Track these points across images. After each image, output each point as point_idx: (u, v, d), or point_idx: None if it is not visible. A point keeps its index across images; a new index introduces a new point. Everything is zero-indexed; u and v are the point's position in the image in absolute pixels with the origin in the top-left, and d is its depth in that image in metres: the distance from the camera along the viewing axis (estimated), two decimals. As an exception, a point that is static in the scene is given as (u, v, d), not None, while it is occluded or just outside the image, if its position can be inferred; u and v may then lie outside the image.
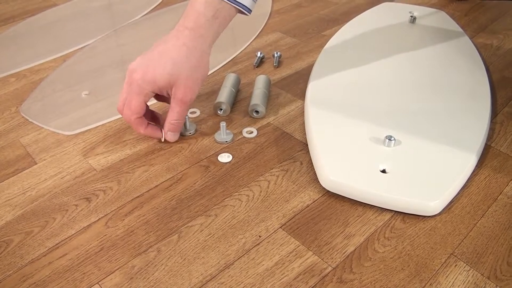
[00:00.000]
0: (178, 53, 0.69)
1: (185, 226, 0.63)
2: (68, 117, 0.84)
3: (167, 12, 1.27)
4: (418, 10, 1.16)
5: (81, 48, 1.09)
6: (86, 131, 0.81)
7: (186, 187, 0.69)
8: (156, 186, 0.69)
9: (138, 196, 0.67)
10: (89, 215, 0.65)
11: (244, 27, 1.17)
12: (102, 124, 0.82)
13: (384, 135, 0.72)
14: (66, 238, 0.61)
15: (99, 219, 0.64)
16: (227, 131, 0.79)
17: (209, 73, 0.97)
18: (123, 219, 0.64)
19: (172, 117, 0.73)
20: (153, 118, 0.79)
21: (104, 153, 0.76)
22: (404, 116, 0.78)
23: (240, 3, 0.71)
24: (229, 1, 0.70)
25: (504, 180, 0.70)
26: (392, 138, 0.70)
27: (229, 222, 0.63)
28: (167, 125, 0.74)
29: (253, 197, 0.67)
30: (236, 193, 0.67)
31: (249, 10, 0.72)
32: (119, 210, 0.65)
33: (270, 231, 0.62)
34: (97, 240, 0.61)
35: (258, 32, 1.15)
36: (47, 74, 0.98)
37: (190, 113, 0.84)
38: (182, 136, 0.79)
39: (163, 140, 0.77)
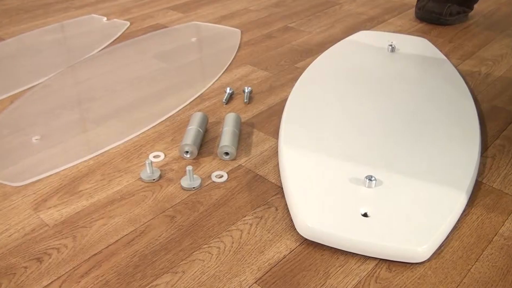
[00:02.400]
0: None
1: (150, 285, 0.62)
2: (17, 165, 0.84)
3: (128, 46, 1.28)
4: (397, 38, 1.20)
5: (32, 87, 1.09)
6: (37, 181, 0.80)
7: (150, 241, 0.68)
8: (117, 241, 0.68)
9: (96, 254, 0.67)
10: (40, 278, 0.64)
11: (212, 60, 1.19)
12: (56, 173, 0.82)
13: (364, 175, 0.74)
14: (14, 305, 0.60)
15: (52, 282, 0.63)
16: (195, 176, 0.79)
17: (174, 112, 0.98)
18: (79, 281, 0.63)
19: None
20: None
21: (58, 206, 0.75)
22: (385, 154, 0.80)
23: None
24: None
25: (499, 219, 0.71)
26: (373, 178, 0.72)
27: (198, 279, 0.63)
28: None
29: (224, 249, 0.67)
30: (206, 246, 0.67)
31: None
32: (74, 270, 0.64)
33: (244, 287, 0.62)
34: (50, 306, 0.60)
35: (227, 65, 1.17)
36: (-7, 118, 0.98)
37: (154, 157, 0.85)
38: (145, 183, 0.79)
39: None
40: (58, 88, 1.08)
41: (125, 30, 1.39)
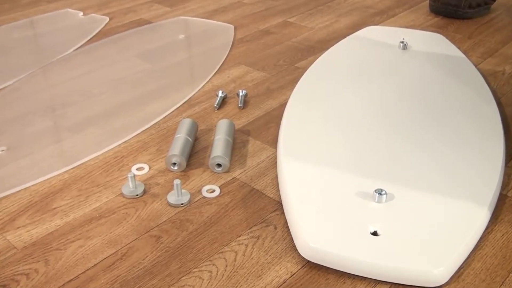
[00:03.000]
0: None
1: (132, 315, 0.62)
2: (-18, 180, 0.84)
3: (107, 44, 1.29)
4: (410, 34, 1.21)
5: (-1, 92, 1.10)
6: (4, 197, 0.80)
7: (133, 265, 0.68)
8: (95, 265, 0.69)
9: (71, 280, 0.67)
10: (9, 306, 0.64)
11: (202, 60, 1.20)
12: (25, 188, 0.82)
13: (373, 188, 0.74)
14: (-22, 339, 0.60)
15: (22, 311, 0.63)
16: (183, 190, 0.79)
17: (159, 118, 0.98)
18: (52, 310, 0.63)
19: None
20: None
21: (28, 226, 0.75)
22: (397, 164, 0.80)
23: None
24: None
25: (525, 237, 0.72)
26: (383, 192, 0.72)
27: (187, 307, 0.63)
28: None
29: (217, 274, 0.67)
30: (196, 269, 0.67)
31: None
32: (47, 298, 0.64)
33: (239, 316, 0.62)
34: None
35: (219, 66, 1.17)
36: (-45, 127, 0.98)
37: (137, 169, 0.85)
38: (127, 199, 0.79)
39: None
40: (28, 92, 1.08)
41: (104, 27, 1.40)
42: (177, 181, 0.77)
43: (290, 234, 0.72)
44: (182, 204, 0.78)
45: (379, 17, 1.41)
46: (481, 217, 0.71)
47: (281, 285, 0.65)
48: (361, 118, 0.91)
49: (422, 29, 1.31)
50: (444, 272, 0.64)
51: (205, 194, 0.80)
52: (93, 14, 1.48)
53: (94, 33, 1.35)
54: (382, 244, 0.66)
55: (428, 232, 0.68)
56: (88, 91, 1.08)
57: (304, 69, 1.12)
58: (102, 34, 1.35)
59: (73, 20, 1.44)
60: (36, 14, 1.50)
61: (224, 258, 0.69)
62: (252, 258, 0.69)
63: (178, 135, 0.88)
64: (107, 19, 1.44)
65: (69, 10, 1.52)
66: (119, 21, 1.43)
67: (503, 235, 0.72)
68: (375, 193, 0.73)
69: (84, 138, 0.93)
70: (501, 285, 0.65)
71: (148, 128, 0.96)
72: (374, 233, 0.68)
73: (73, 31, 1.37)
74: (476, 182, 0.76)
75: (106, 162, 0.88)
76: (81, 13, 1.48)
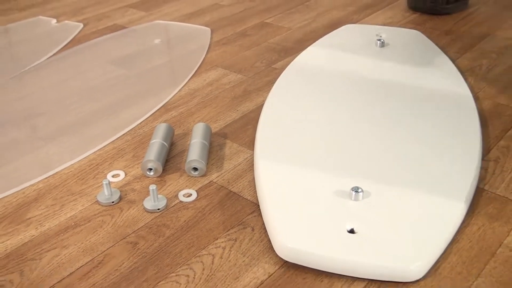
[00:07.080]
0: None
1: (109, 321, 0.63)
2: (-45, 193, 0.84)
3: (81, 51, 1.29)
4: (387, 32, 1.23)
5: (-29, 103, 1.10)
6: (-22, 209, 0.81)
7: (110, 272, 0.69)
8: (71, 273, 0.70)
9: (47, 289, 0.68)
10: (-16, 318, 0.64)
11: (178, 64, 1.21)
12: (-1, 199, 0.83)
13: (350, 186, 0.76)
14: None
15: (-3, 322, 0.64)
16: (159, 196, 0.81)
17: (135, 124, 0.99)
18: (28, 320, 0.64)
19: None
20: None
21: (2, 237, 0.76)
22: (374, 161, 0.82)
23: None
24: None
25: (504, 229, 0.73)
26: (360, 190, 0.74)
27: (165, 311, 0.64)
28: None
29: (194, 278, 0.68)
30: (173, 274, 0.69)
31: None
32: (22, 308, 0.65)
33: (217, 318, 0.63)
34: None
35: (195, 69, 1.19)
36: None
37: (112, 176, 0.86)
38: (103, 206, 0.80)
39: None
40: (0, 101, 1.09)
41: (77, 33, 1.40)
42: (153, 187, 0.78)
43: (268, 236, 0.73)
44: (158, 209, 0.79)
45: (357, 15, 1.43)
46: (457, 211, 0.73)
47: (258, 286, 0.67)
48: (337, 117, 0.93)
49: (400, 26, 1.33)
50: (420, 267, 0.66)
51: (182, 198, 0.81)
52: (66, 21, 1.48)
53: (67, 41, 1.36)
54: (359, 241, 0.68)
55: (405, 228, 0.70)
56: (62, 100, 1.09)
57: (281, 70, 1.14)
58: (75, 42, 1.36)
59: (46, 27, 1.45)
60: (8, 22, 1.50)
61: (202, 262, 0.70)
62: (229, 261, 0.70)
63: (153, 141, 0.89)
64: (81, 25, 1.45)
65: (42, 17, 1.52)
66: (94, 27, 1.44)
67: (479, 228, 0.74)
68: (351, 191, 0.74)
69: (58, 147, 0.94)
70: (478, 277, 0.67)
71: (123, 134, 0.97)
72: (351, 231, 0.70)
73: (46, 39, 1.37)
74: (452, 176, 0.78)
75: (81, 170, 0.89)
76: (54, 20, 1.49)
